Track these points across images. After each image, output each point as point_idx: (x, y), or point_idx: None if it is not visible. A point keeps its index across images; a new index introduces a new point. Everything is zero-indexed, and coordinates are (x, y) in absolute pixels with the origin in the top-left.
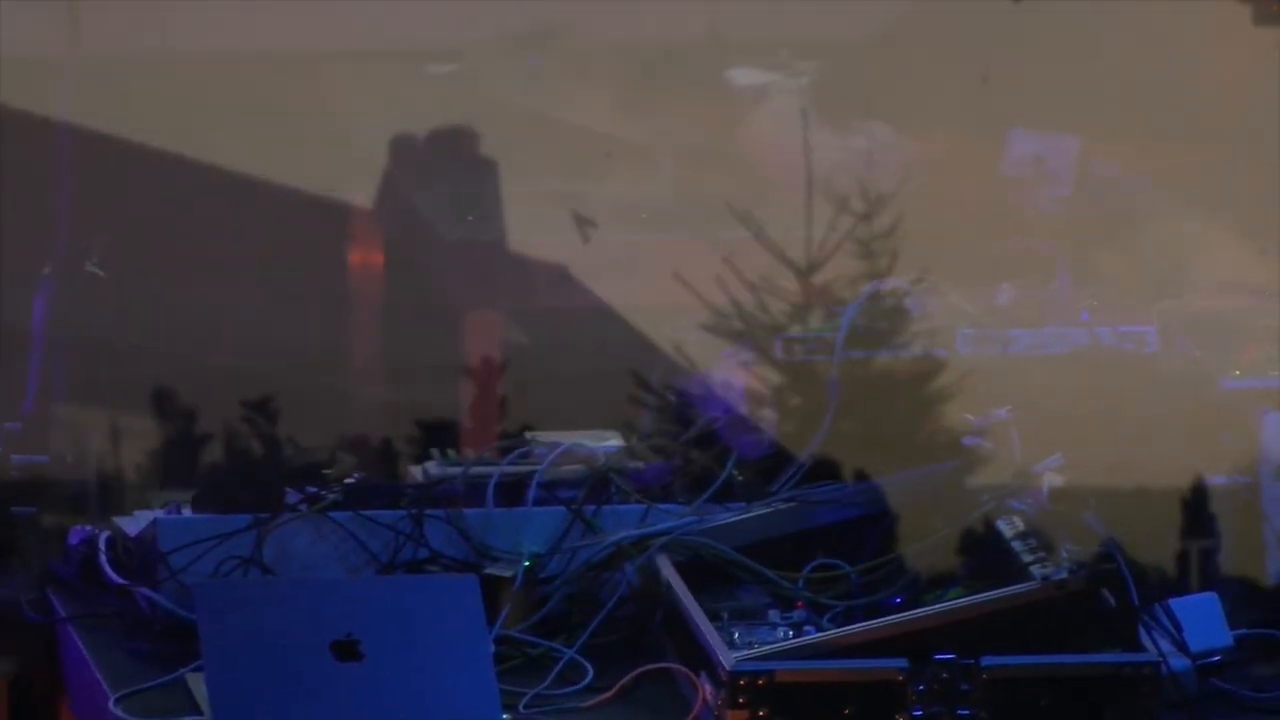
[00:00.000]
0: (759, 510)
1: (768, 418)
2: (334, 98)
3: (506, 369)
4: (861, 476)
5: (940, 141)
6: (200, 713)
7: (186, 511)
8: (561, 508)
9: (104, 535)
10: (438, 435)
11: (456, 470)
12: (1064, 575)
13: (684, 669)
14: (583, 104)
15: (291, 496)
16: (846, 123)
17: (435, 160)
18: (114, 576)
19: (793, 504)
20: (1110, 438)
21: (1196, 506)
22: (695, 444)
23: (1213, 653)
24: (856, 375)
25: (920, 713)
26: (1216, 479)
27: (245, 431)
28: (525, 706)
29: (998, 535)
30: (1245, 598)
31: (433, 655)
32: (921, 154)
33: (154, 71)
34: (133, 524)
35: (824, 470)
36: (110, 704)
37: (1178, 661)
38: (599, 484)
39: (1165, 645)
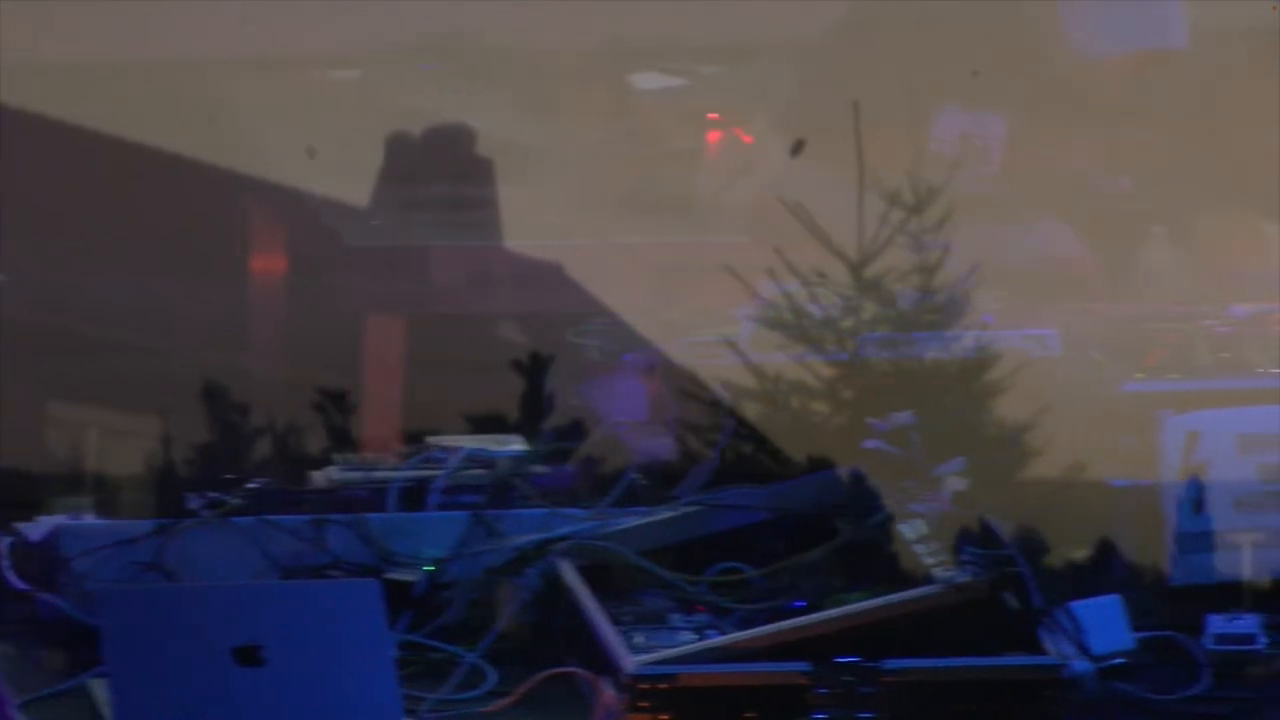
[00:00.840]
0: (661, 514)
1: (670, 421)
2: (234, 104)
3: (408, 374)
4: (765, 480)
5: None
6: (103, 719)
7: (89, 517)
8: (464, 512)
9: (6, 541)
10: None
11: (358, 475)
12: (966, 578)
13: (586, 673)
14: (483, 110)
15: (194, 501)
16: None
17: (340, 166)
18: (16, 582)
19: (695, 508)
20: (1012, 441)
21: (1098, 509)
22: (597, 448)
23: (1115, 655)
24: (767, 377)
25: (823, 716)
26: (1118, 481)
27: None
28: (428, 711)
29: (900, 538)
30: (1147, 600)
31: (335, 660)
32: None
33: (58, 77)
34: (36, 529)
35: (728, 474)
36: (12, 711)
37: (1080, 664)
38: (501, 488)
39: (1067, 648)
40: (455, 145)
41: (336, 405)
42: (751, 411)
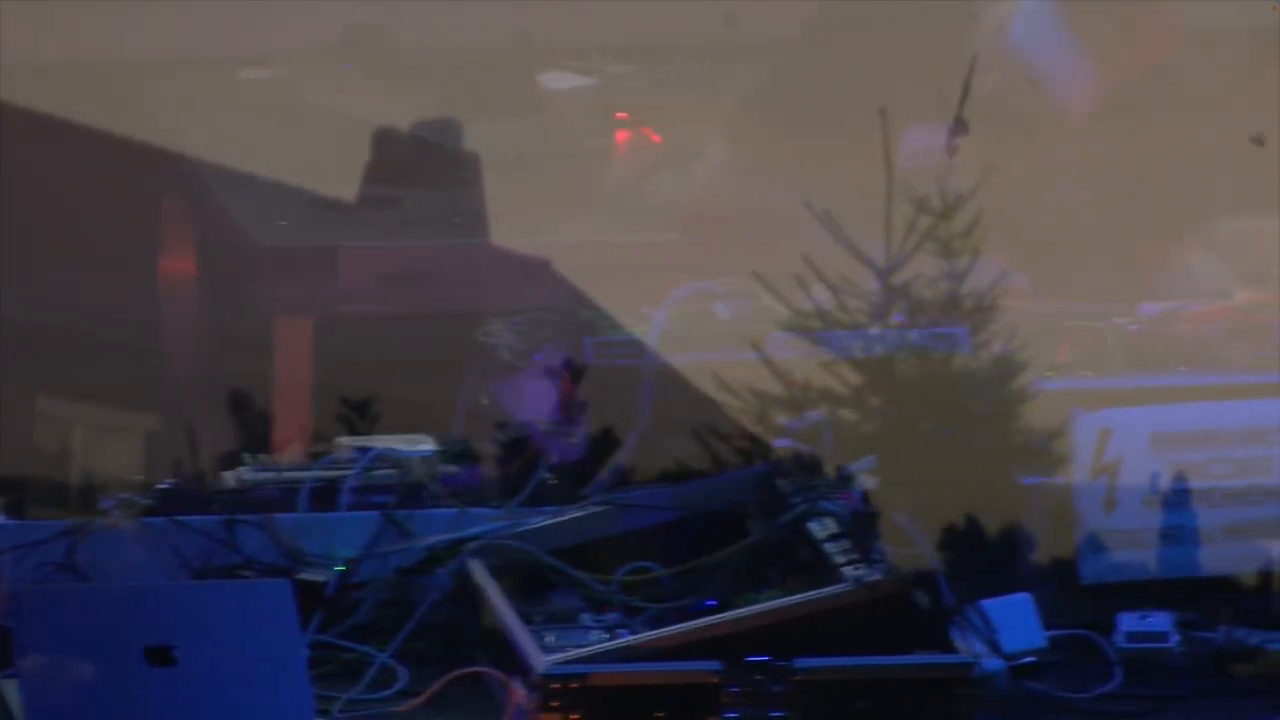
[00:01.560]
0: (572, 514)
1: (581, 420)
2: (148, 103)
3: (319, 374)
4: (675, 479)
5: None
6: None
7: (0, 518)
8: (374, 512)
9: None
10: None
11: (269, 475)
12: (877, 577)
13: (497, 672)
14: (395, 109)
15: (105, 502)
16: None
17: (250, 165)
18: None
19: (605, 507)
20: (924, 439)
21: (1010, 507)
22: (508, 448)
23: (1027, 653)
24: (677, 377)
25: (734, 715)
26: (1030, 479)
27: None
28: (339, 711)
29: (811, 537)
30: (1059, 598)
31: (247, 661)
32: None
33: None
34: None
35: (639, 473)
36: None
37: (991, 662)
38: (412, 488)
39: (979, 646)
40: (367, 144)
41: (247, 406)
42: (663, 410)
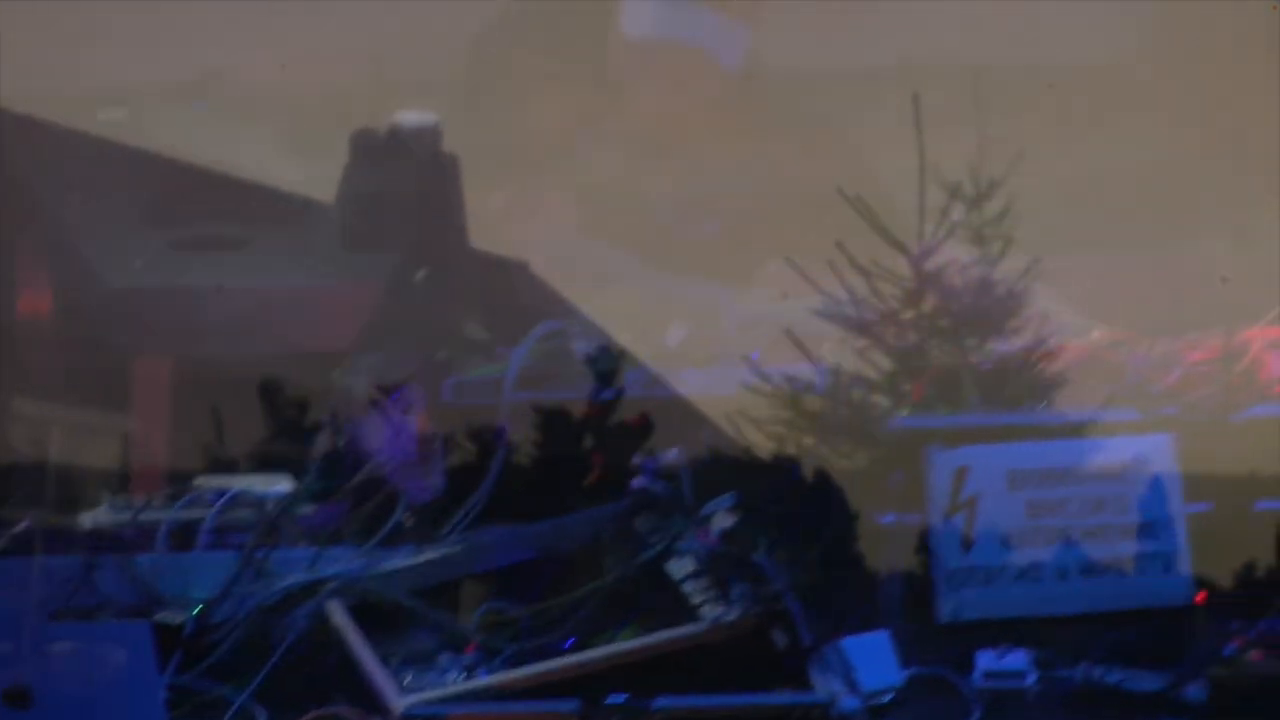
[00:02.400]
0: (430, 553)
1: (440, 459)
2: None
3: (176, 414)
4: (533, 518)
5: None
6: None
7: None
8: (232, 552)
9: None
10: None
11: (127, 515)
12: (735, 616)
13: (355, 712)
14: (248, 149)
15: None
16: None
17: (104, 206)
18: None
19: (462, 547)
20: (781, 477)
21: (867, 545)
22: (365, 488)
23: (884, 691)
24: (535, 417)
25: None
26: (886, 517)
27: None
28: None
29: (668, 576)
30: (916, 636)
31: (105, 703)
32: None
33: None
34: None
35: (498, 512)
36: None
37: (849, 700)
38: (269, 529)
39: (837, 684)
40: (220, 184)
41: (105, 446)
42: (522, 449)
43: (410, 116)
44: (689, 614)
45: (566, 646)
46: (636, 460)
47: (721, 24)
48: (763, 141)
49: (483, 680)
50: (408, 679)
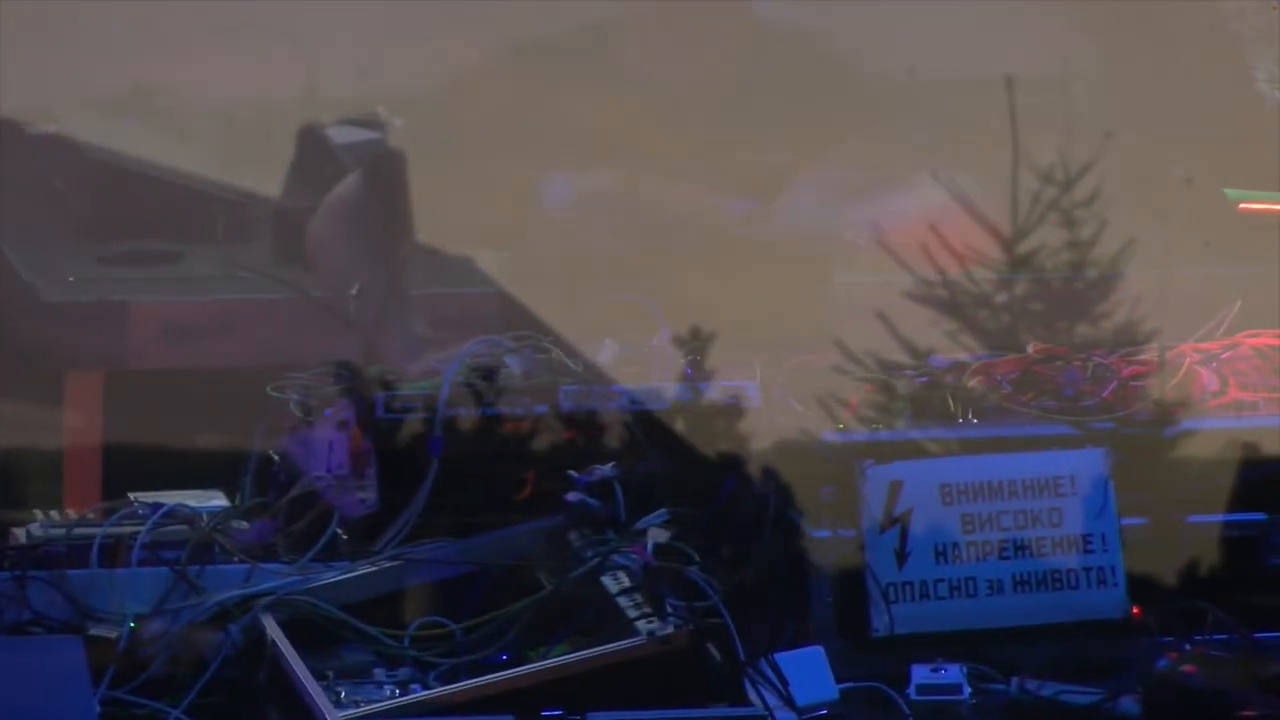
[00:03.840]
0: (363, 568)
1: (371, 474)
2: None
3: (108, 429)
4: (467, 533)
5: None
6: None
7: None
8: (165, 568)
9: None
10: None
11: (59, 531)
12: (669, 630)
13: None
14: (181, 164)
15: None
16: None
17: (37, 220)
18: None
19: (396, 562)
20: (716, 493)
21: (802, 560)
22: (298, 503)
23: (819, 706)
24: (467, 432)
25: None
26: (820, 532)
27: None
28: None
29: (603, 591)
30: (850, 650)
31: (38, 717)
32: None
33: None
34: None
35: (431, 527)
36: None
37: (784, 715)
38: (202, 544)
39: (771, 699)
40: (153, 199)
41: (37, 460)
42: (454, 464)
43: (345, 132)
44: (624, 628)
45: (500, 661)
46: (570, 475)
47: None
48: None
49: (417, 695)
50: (342, 693)
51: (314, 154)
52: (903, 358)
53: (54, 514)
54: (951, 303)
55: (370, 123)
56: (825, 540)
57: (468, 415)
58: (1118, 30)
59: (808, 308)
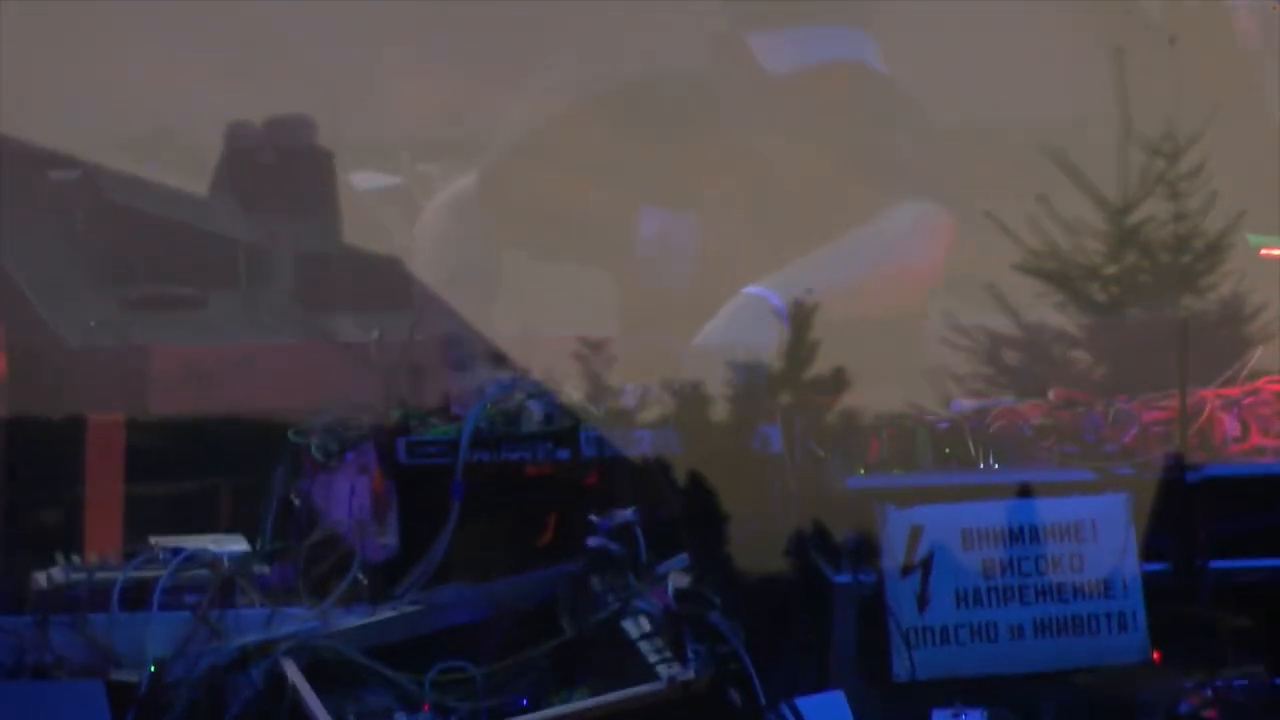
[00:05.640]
0: (384, 613)
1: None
2: None
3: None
4: (488, 577)
5: None
6: None
7: None
8: (187, 612)
9: None
10: None
11: (81, 575)
12: (690, 675)
13: None
14: (203, 208)
15: None
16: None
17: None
18: None
19: (417, 606)
20: (736, 537)
21: (823, 605)
22: (320, 547)
23: None
24: (489, 477)
25: None
26: (842, 577)
27: None
28: None
29: (624, 635)
30: (871, 695)
31: None
32: None
33: None
34: None
35: (452, 571)
36: None
37: None
38: (224, 588)
39: None
40: (174, 244)
41: (59, 504)
42: (475, 508)
43: (367, 177)
44: (645, 673)
45: (520, 706)
46: (591, 519)
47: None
48: None
49: None
50: None
51: (334, 198)
52: (926, 403)
53: (75, 558)
54: (975, 347)
55: (394, 168)
56: (846, 585)
57: (489, 458)
58: None
59: (832, 352)
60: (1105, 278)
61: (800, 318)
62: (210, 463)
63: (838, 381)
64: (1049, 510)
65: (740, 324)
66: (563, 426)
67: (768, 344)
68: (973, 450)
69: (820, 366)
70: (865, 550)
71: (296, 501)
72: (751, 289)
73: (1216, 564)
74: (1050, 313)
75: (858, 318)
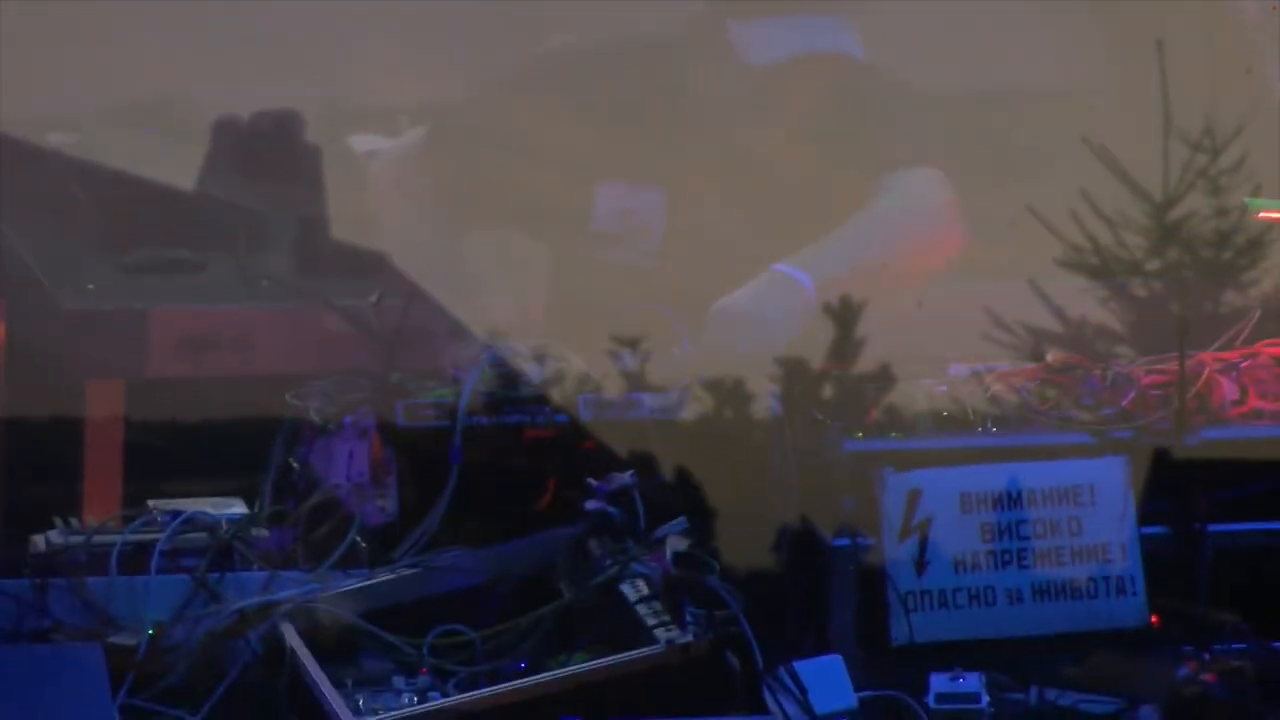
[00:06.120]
0: (382, 576)
1: (391, 482)
2: None
3: (128, 437)
4: (487, 541)
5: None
6: None
7: None
8: (185, 575)
9: None
10: None
11: (79, 539)
12: (688, 638)
13: None
14: (201, 172)
15: None
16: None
17: (57, 228)
18: None
19: (415, 570)
20: (734, 501)
21: (821, 569)
22: (318, 511)
23: (837, 715)
24: (487, 440)
25: None
26: (840, 541)
27: None
28: None
29: (622, 599)
30: (869, 659)
31: None
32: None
33: None
34: None
35: (451, 535)
36: None
37: None
38: (222, 552)
39: (790, 707)
40: (173, 208)
41: (57, 468)
42: (473, 472)
43: (365, 140)
44: (643, 637)
45: (519, 669)
46: (590, 483)
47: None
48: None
49: (435, 703)
50: (361, 701)
51: (335, 162)
52: (923, 367)
53: (73, 521)
54: (973, 313)
55: (391, 131)
56: (845, 549)
57: (487, 422)
58: None
59: (830, 319)
60: (1109, 254)
61: (827, 296)
62: (208, 426)
63: (841, 350)
64: (1047, 474)
65: (768, 298)
66: (562, 390)
67: (794, 319)
68: (971, 414)
69: (831, 338)
70: (863, 515)
71: (295, 465)
72: (779, 266)
73: (1215, 527)
74: (1053, 280)
75: (880, 292)
